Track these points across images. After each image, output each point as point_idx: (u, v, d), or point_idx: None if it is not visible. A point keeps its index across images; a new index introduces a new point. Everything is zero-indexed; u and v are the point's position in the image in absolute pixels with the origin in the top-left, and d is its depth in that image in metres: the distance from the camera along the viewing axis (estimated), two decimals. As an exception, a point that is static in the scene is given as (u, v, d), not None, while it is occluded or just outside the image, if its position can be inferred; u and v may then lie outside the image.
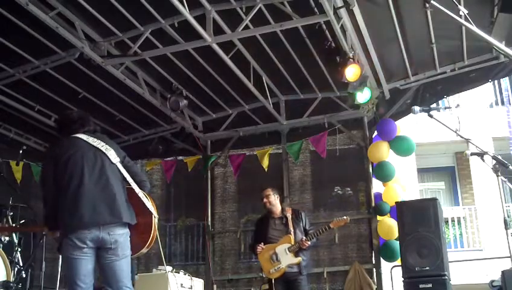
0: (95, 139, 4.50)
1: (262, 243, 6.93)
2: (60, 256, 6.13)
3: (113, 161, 4.44)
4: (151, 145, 10.52)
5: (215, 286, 9.45)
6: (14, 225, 7.00)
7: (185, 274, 7.52)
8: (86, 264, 4.19)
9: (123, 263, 4.30)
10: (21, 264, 6.85)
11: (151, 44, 7.48)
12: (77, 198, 4.19)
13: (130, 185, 4.44)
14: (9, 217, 7.02)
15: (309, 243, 6.76)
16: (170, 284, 6.94)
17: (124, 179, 4.45)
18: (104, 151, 4.44)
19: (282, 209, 7.11)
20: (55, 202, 4.29)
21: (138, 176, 4.60)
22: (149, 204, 4.43)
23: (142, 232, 4.43)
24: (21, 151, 7.04)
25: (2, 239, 6.66)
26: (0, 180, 6.82)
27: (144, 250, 4.52)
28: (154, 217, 4.42)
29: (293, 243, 6.77)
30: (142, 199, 4.41)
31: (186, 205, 10.88)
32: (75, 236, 4.14)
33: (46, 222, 4.49)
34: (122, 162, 4.52)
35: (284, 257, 6.76)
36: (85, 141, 4.47)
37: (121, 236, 4.27)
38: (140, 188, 4.50)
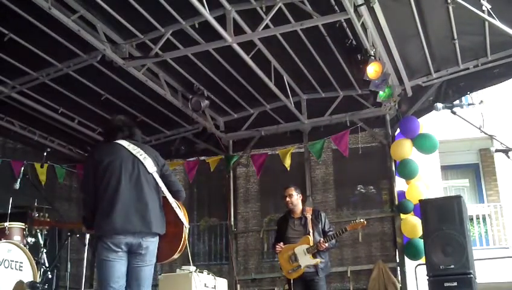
0: (135, 147, 4.55)
1: (282, 243, 6.92)
2: (85, 257, 6.18)
3: (150, 170, 4.48)
4: (173, 145, 10.60)
5: (238, 286, 9.47)
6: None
7: (209, 274, 7.54)
8: (120, 267, 4.28)
9: (148, 270, 4.40)
10: (47, 265, 6.92)
11: (172, 45, 7.52)
12: (112, 205, 4.27)
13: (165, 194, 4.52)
14: (34, 219, 7.09)
15: (326, 245, 6.71)
16: (194, 284, 6.96)
17: (160, 188, 4.51)
18: (141, 160, 4.48)
19: (303, 210, 7.07)
20: (93, 206, 4.39)
21: (174, 186, 4.65)
22: (181, 214, 4.54)
23: (172, 240, 4.54)
24: (45, 154, 7.12)
25: (29, 240, 6.75)
26: (25, 182, 6.89)
27: (175, 256, 4.66)
28: (185, 227, 4.51)
29: (311, 244, 6.74)
30: (175, 209, 4.51)
31: (209, 205, 10.90)
32: (110, 241, 4.25)
33: (84, 223, 4.67)
34: (160, 170, 4.57)
35: (302, 257, 6.74)
36: (125, 148, 4.53)
37: (152, 243, 4.39)
38: (175, 198, 4.59)
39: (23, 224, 6.82)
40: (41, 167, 8.28)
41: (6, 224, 6.61)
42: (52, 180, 9.69)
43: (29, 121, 9.23)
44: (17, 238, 6.60)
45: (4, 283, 6.03)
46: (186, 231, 4.55)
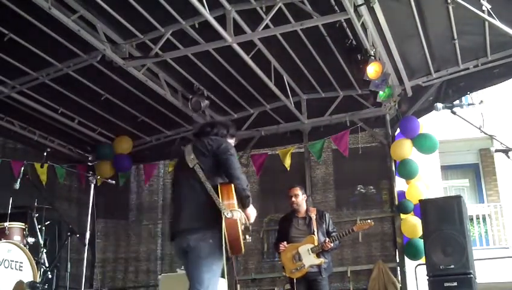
0: (195, 149, 4.51)
1: (285, 242, 6.92)
2: (85, 257, 6.17)
3: (191, 164, 4.40)
4: (173, 145, 10.58)
5: (238, 286, 9.46)
6: (39, 226, 7.08)
7: (209, 274, 7.52)
8: (186, 268, 4.40)
9: (194, 267, 4.25)
10: (47, 265, 6.92)
11: (172, 45, 7.52)
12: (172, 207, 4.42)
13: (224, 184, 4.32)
14: (34, 219, 7.10)
15: (332, 245, 6.72)
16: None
17: (201, 180, 4.34)
18: (186, 155, 4.47)
19: (307, 209, 7.07)
20: None
21: (227, 173, 4.38)
22: (218, 201, 4.18)
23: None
24: (45, 154, 7.11)
25: (29, 240, 6.75)
26: (25, 182, 6.89)
27: (241, 248, 4.27)
28: (224, 215, 4.13)
29: (316, 244, 6.74)
30: (213, 197, 4.22)
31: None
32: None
33: None
34: (212, 158, 4.40)
35: (306, 257, 6.73)
36: (189, 150, 4.53)
37: (194, 241, 4.24)
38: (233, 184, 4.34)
39: (23, 224, 6.83)
40: (41, 167, 8.26)
41: (6, 224, 6.61)
42: (52, 180, 9.69)
43: (29, 121, 9.23)
44: (17, 238, 6.61)
45: (4, 283, 6.04)
46: (224, 219, 4.12)
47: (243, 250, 4.29)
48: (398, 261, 8.82)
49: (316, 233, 6.81)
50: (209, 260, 4.19)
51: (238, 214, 4.17)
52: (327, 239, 6.74)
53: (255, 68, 7.90)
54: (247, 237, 4.33)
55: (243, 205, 4.34)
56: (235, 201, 4.21)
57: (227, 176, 4.33)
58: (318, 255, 6.73)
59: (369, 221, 6.98)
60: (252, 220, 4.45)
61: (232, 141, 4.76)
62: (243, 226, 4.27)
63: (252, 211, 4.43)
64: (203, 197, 4.24)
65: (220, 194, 4.20)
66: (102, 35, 7.13)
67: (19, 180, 6.74)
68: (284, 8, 6.84)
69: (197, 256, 4.20)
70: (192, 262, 4.25)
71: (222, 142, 4.51)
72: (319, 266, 6.72)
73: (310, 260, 6.72)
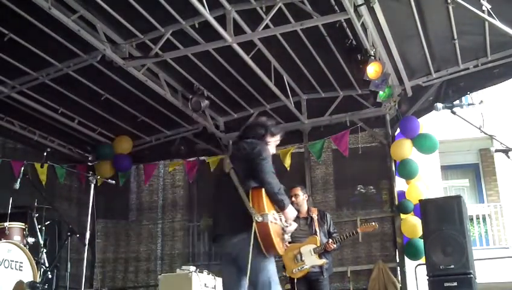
0: (232, 153, 4.64)
1: (286, 242, 6.91)
2: (85, 257, 6.17)
3: (226, 169, 4.49)
4: (173, 145, 10.58)
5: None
6: (39, 226, 7.08)
7: (209, 274, 7.54)
8: (225, 272, 4.52)
9: (251, 273, 4.22)
10: (47, 265, 6.91)
11: (172, 45, 7.52)
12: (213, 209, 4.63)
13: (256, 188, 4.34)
14: (34, 219, 7.10)
15: (334, 245, 6.74)
16: (194, 284, 6.96)
17: (236, 185, 4.38)
18: (227, 168, 4.50)
19: (308, 210, 7.07)
20: None
21: (259, 177, 4.38)
22: (249, 206, 4.23)
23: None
24: (45, 154, 7.11)
25: (29, 240, 6.74)
26: (25, 182, 6.89)
27: (277, 250, 4.31)
28: (255, 220, 4.17)
29: (318, 244, 6.75)
30: (245, 202, 4.27)
31: (209, 205, 10.86)
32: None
33: None
34: (246, 163, 4.42)
35: (308, 257, 6.74)
36: (227, 155, 4.70)
37: (232, 244, 4.33)
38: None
39: (23, 224, 6.82)
40: (41, 167, 8.27)
41: (6, 224, 6.60)
42: (52, 180, 9.68)
43: (29, 121, 9.23)
44: (17, 238, 6.60)
45: (4, 283, 6.03)
46: (255, 223, 4.16)
47: (281, 251, 4.37)
48: (398, 261, 8.82)
49: (318, 234, 6.82)
50: (254, 263, 4.20)
51: (269, 217, 4.19)
52: (330, 240, 6.75)
53: (255, 68, 7.90)
54: (285, 237, 4.46)
55: (279, 207, 4.41)
56: (265, 205, 4.25)
57: (259, 180, 4.35)
58: (320, 256, 6.73)
59: (373, 223, 7.01)
60: (291, 220, 4.51)
61: (273, 140, 4.79)
62: (285, 227, 4.42)
63: (290, 212, 4.46)
64: (237, 203, 4.30)
65: (251, 198, 4.27)
66: (102, 35, 7.13)
67: (19, 180, 6.73)
68: (284, 8, 6.84)
69: (242, 263, 4.23)
70: (242, 269, 4.25)
71: (256, 145, 4.52)
72: (320, 266, 6.73)
73: (312, 260, 6.72)
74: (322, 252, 6.74)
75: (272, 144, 4.78)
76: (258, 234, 4.15)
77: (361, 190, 9.57)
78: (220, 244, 4.46)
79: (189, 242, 10.61)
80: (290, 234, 4.55)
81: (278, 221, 4.35)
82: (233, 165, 4.47)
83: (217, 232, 4.52)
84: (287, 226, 4.45)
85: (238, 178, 4.38)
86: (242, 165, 4.44)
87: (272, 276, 4.25)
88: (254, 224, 4.16)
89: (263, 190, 4.30)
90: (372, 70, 7.21)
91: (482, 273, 8.39)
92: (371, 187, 9.54)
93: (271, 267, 4.30)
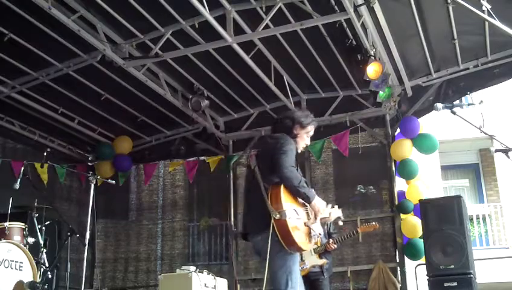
0: (262, 146, 4.67)
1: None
2: (85, 257, 6.18)
3: (252, 165, 4.43)
4: (173, 145, 10.60)
5: (238, 286, 9.46)
6: (39, 226, 7.08)
7: (209, 274, 7.53)
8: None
9: (269, 269, 4.20)
10: (47, 265, 6.91)
11: (172, 45, 7.52)
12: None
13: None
14: (34, 219, 7.10)
15: (335, 246, 6.75)
16: (194, 284, 6.96)
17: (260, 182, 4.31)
18: (253, 165, 4.44)
19: None
20: None
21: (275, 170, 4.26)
22: (268, 203, 4.15)
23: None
24: (45, 154, 7.11)
25: (29, 240, 6.74)
26: (25, 182, 6.89)
27: (299, 246, 4.20)
28: (273, 217, 4.09)
29: (319, 244, 6.75)
30: (265, 198, 4.19)
31: (209, 205, 10.91)
32: None
33: None
34: (268, 158, 4.32)
35: (309, 257, 6.74)
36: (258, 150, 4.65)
37: (257, 242, 4.33)
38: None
39: (23, 224, 6.82)
40: (42, 167, 8.28)
41: (6, 224, 6.60)
42: (53, 180, 9.69)
43: (29, 121, 9.23)
44: (17, 238, 6.59)
45: (4, 283, 6.02)
46: (273, 220, 4.08)
47: (305, 246, 4.25)
48: (398, 261, 8.81)
49: None
50: (276, 260, 4.17)
51: (287, 214, 4.07)
52: (331, 240, 6.76)
53: (255, 68, 7.90)
54: (313, 232, 4.29)
55: (304, 201, 4.28)
56: (283, 201, 4.13)
57: (277, 176, 4.21)
58: (320, 256, 6.74)
59: (373, 223, 7.02)
60: (320, 212, 4.31)
61: (303, 132, 4.62)
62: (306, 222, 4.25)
63: (318, 203, 4.27)
64: (259, 200, 4.21)
65: (270, 195, 4.17)
66: (102, 35, 7.13)
67: (19, 180, 6.73)
68: (284, 8, 6.84)
69: (264, 258, 4.16)
70: (264, 265, 4.21)
71: (279, 139, 4.37)
72: (321, 266, 6.73)
73: (312, 260, 6.73)
74: (322, 252, 6.74)
75: (303, 135, 4.61)
76: (277, 232, 4.08)
77: (361, 190, 9.57)
78: (251, 241, 4.46)
79: (189, 242, 10.61)
80: (318, 228, 4.34)
81: (300, 216, 4.22)
82: (258, 161, 4.38)
83: (243, 231, 4.53)
84: (313, 222, 4.29)
85: (261, 175, 4.28)
86: (265, 161, 4.34)
87: (290, 274, 4.15)
88: (272, 221, 4.07)
89: (282, 185, 4.17)
90: (372, 70, 7.21)
91: (482, 273, 8.39)
92: (371, 187, 9.53)
93: (290, 265, 4.20)
